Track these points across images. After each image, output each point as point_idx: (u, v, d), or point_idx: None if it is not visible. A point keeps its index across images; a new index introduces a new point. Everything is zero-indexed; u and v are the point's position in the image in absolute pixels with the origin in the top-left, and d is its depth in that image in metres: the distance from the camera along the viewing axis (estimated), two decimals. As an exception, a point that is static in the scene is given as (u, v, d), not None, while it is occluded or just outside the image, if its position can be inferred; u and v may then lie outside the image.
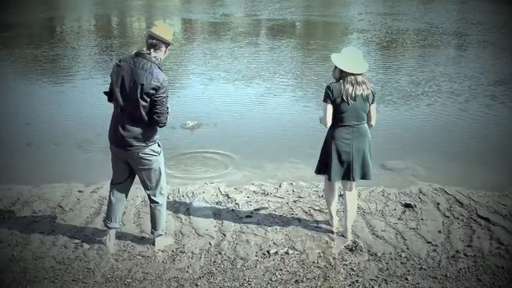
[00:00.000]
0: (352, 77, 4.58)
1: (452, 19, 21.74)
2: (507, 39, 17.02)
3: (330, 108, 4.62)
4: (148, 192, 4.68)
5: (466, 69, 12.70)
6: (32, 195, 6.01)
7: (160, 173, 4.63)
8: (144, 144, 4.43)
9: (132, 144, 4.40)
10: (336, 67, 4.66)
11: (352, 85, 4.57)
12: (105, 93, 4.53)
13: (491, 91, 10.71)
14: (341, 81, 4.61)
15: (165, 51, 4.41)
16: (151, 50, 4.33)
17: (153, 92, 4.25)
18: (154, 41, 4.32)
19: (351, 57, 4.64)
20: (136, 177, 4.71)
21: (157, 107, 4.32)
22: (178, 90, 11.06)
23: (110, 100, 4.52)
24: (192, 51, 15.95)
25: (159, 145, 4.56)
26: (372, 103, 4.70)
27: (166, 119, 4.43)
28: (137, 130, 4.37)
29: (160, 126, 4.45)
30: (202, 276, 4.37)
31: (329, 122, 4.66)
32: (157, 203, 4.69)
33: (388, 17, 22.54)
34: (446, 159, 7.29)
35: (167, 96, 4.36)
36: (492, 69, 12.65)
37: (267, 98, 10.48)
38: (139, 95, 4.26)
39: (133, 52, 4.39)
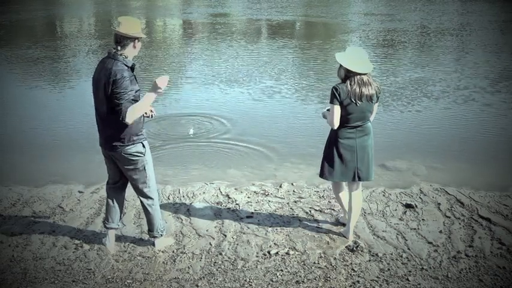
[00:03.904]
0: (359, 77, 4.51)
1: (438, 20, 21.74)
2: (499, 39, 17.06)
3: (338, 109, 4.54)
4: (137, 193, 4.67)
5: (462, 70, 12.69)
6: (32, 195, 6.00)
7: (146, 174, 4.54)
8: (122, 144, 4.35)
9: (112, 145, 4.38)
10: (341, 66, 4.58)
11: (359, 86, 4.50)
12: None
13: (490, 91, 10.71)
14: (347, 82, 4.54)
15: (134, 46, 4.33)
16: (119, 48, 4.28)
17: (110, 87, 4.17)
18: (120, 38, 4.28)
19: (356, 57, 4.55)
20: None
21: (114, 101, 4.17)
22: (175, 91, 11.05)
23: None
24: (189, 52, 15.94)
25: (143, 145, 4.48)
26: (376, 102, 4.68)
27: (126, 114, 4.13)
28: (113, 130, 4.33)
29: (121, 121, 4.16)
30: (203, 277, 4.36)
31: (337, 123, 4.58)
32: (149, 204, 4.65)
33: (374, 17, 22.58)
34: (447, 159, 7.28)
35: (124, 92, 4.13)
36: (488, 69, 12.67)
37: (266, 98, 10.47)
38: (104, 95, 4.23)
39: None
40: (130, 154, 4.40)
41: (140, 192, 4.63)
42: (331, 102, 4.55)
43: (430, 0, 28.79)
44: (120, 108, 4.15)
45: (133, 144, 4.38)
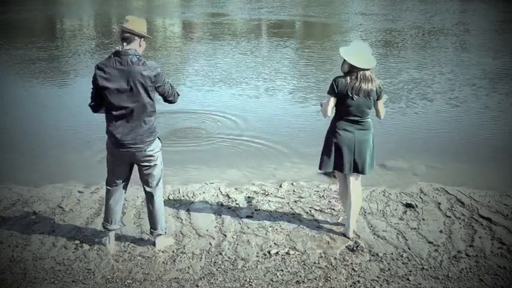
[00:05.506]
0: (362, 72, 4.55)
1: (431, 20, 21.76)
2: (494, 39, 17.07)
3: (332, 101, 4.63)
4: (149, 189, 4.64)
5: (458, 70, 12.68)
6: (32, 195, 5.99)
7: (162, 169, 4.64)
8: (151, 139, 4.43)
9: (142, 141, 4.38)
10: (344, 61, 4.61)
11: (359, 80, 4.54)
12: (91, 105, 4.46)
13: (487, 91, 10.70)
14: (349, 76, 4.57)
15: (140, 44, 4.38)
16: (125, 44, 4.30)
17: (155, 79, 4.29)
18: (126, 34, 4.30)
19: (359, 52, 4.59)
20: (136, 176, 4.69)
21: (165, 90, 4.42)
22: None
23: (96, 111, 4.48)
24: (185, 52, 15.93)
25: (159, 139, 4.57)
26: (378, 99, 4.68)
27: (178, 94, 4.59)
28: (144, 126, 4.36)
29: (176, 102, 4.63)
30: (203, 277, 4.35)
31: (329, 113, 4.68)
32: (158, 200, 4.67)
33: (367, 17, 22.60)
34: (447, 159, 7.28)
35: (166, 79, 4.44)
36: (485, 69, 12.67)
37: (265, 98, 10.46)
38: (143, 90, 4.26)
39: (111, 54, 4.31)
40: (152, 150, 4.46)
41: (153, 190, 4.63)
42: (328, 92, 4.65)
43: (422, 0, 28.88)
44: (173, 92, 4.51)
45: (156, 137, 4.48)
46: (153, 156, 4.50)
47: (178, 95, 4.61)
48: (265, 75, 12.37)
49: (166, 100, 4.56)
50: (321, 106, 4.84)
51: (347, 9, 26.30)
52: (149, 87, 4.29)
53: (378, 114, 4.83)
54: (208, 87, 11.37)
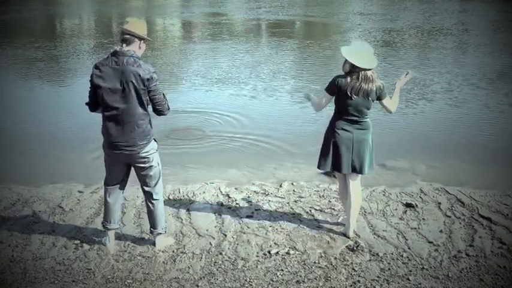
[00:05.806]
0: (363, 72, 4.55)
1: (430, 20, 21.76)
2: (493, 39, 17.08)
3: (328, 98, 4.69)
4: (147, 189, 4.65)
5: (457, 70, 12.69)
6: (32, 195, 5.99)
7: (159, 170, 4.63)
8: (145, 142, 4.41)
9: (135, 144, 4.38)
10: (346, 60, 4.61)
11: (360, 80, 4.54)
12: (88, 104, 4.48)
13: (486, 91, 10.70)
14: (350, 76, 4.57)
15: (139, 46, 4.38)
16: (124, 45, 4.30)
17: (147, 83, 4.27)
18: (126, 36, 4.31)
19: (361, 52, 4.59)
20: (134, 176, 4.69)
21: (156, 96, 4.35)
22: (169, 91, 11.03)
23: (93, 110, 4.49)
24: (183, 52, 15.93)
25: (155, 140, 4.56)
26: (379, 99, 4.69)
27: (168, 108, 4.49)
28: (137, 129, 4.36)
29: (165, 114, 4.51)
30: (203, 277, 4.35)
31: (321, 108, 4.76)
32: (157, 199, 4.68)
33: (365, 17, 22.61)
34: (447, 159, 7.28)
35: (159, 86, 4.40)
36: (486, 69, 12.67)
37: (262, 98, 10.46)
38: (135, 92, 4.25)
39: (109, 54, 4.32)
40: (147, 152, 4.45)
41: (152, 189, 4.63)
42: (325, 89, 4.69)
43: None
44: (164, 100, 4.39)
45: (151, 139, 4.47)
46: (148, 157, 4.49)
47: (169, 109, 4.53)
48: (263, 75, 12.37)
49: (155, 109, 4.45)
50: (309, 99, 4.91)
51: (346, 9, 26.32)
52: (141, 90, 4.27)
53: (387, 111, 4.85)
54: (207, 87, 11.37)
